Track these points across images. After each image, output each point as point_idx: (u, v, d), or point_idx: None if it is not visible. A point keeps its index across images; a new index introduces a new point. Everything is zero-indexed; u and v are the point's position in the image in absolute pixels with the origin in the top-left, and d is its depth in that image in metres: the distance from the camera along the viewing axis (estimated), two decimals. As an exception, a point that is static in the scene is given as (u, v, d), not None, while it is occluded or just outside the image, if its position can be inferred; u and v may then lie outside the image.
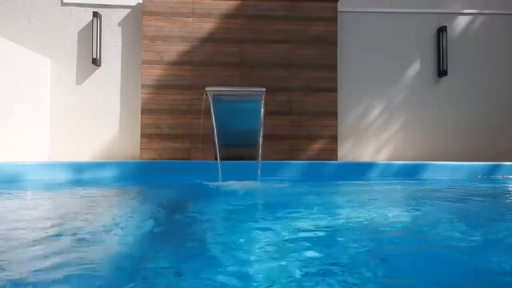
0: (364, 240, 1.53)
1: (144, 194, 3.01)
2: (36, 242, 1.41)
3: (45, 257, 1.22)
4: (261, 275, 1.07)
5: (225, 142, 3.67)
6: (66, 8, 4.91)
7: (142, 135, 4.73)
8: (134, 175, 3.94)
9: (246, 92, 3.91)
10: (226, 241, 1.50)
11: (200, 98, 4.60)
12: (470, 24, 5.35)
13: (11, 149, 4.01)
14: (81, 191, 2.98)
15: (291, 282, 1.01)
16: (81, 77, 4.93)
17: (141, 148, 4.71)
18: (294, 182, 3.72)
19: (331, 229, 1.71)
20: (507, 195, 3.05)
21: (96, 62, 4.81)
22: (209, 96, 3.56)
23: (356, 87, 5.19)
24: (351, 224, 1.81)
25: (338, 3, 5.03)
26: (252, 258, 1.25)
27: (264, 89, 3.63)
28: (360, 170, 4.17)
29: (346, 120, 5.16)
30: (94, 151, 4.90)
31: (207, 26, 4.83)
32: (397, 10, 5.25)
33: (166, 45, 4.78)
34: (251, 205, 2.54)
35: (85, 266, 1.14)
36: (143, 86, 4.75)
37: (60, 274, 1.06)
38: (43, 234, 1.54)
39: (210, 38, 4.84)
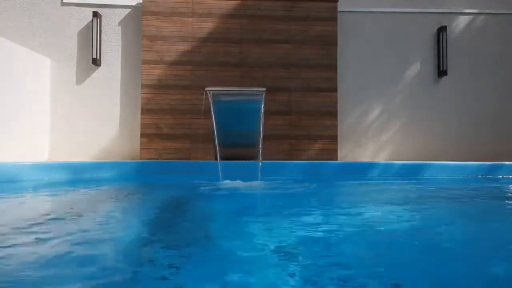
0: (366, 235, 1.53)
1: (144, 195, 3.01)
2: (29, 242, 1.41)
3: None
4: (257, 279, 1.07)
5: (225, 142, 3.66)
6: (66, 8, 4.91)
7: (142, 135, 4.72)
8: (134, 175, 3.94)
9: (246, 92, 3.91)
10: (225, 240, 1.50)
11: (200, 98, 4.59)
12: (470, 24, 5.35)
13: (11, 149, 4.01)
14: (80, 191, 2.98)
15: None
16: (81, 77, 4.92)
17: (141, 148, 4.71)
18: (295, 182, 3.72)
19: (331, 228, 1.71)
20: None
21: (96, 62, 4.81)
22: (209, 96, 3.56)
23: (356, 87, 5.19)
24: (353, 223, 1.80)
25: (338, 3, 5.02)
26: (250, 258, 1.25)
27: (264, 89, 3.63)
28: (361, 170, 4.17)
29: (346, 120, 5.16)
30: (94, 151, 4.89)
31: (207, 26, 4.83)
32: (397, 10, 5.24)
33: (166, 45, 4.78)
34: (251, 205, 2.54)
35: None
36: (143, 86, 4.74)
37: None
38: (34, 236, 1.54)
39: (210, 38, 4.83)
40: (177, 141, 4.74)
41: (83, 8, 4.92)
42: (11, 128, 4.07)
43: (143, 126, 4.72)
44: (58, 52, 4.89)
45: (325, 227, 1.71)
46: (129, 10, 4.98)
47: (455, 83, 5.28)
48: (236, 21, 4.86)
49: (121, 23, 4.98)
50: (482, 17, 5.35)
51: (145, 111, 4.73)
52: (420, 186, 3.52)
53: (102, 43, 4.91)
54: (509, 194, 3.11)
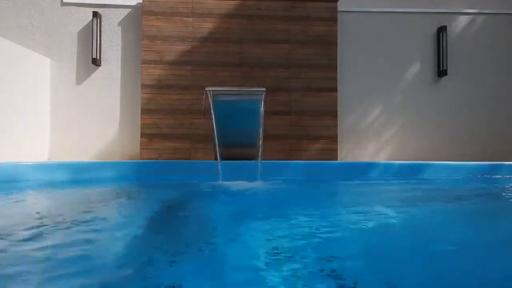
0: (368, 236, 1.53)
1: (143, 195, 3.01)
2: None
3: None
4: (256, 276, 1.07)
5: (225, 142, 3.66)
6: (66, 8, 4.91)
7: (142, 135, 4.72)
8: (134, 175, 3.93)
9: (246, 92, 3.91)
10: (224, 241, 1.50)
11: (200, 98, 4.59)
12: (470, 24, 5.35)
13: (11, 149, 4.01)
14: (80, 191, 2.98)
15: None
16: (81, 77, 4.92)
17: (141, 148, 4.71)
18: (294, 182, 3.72)
19: (329, 229, 1.71)
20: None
21: (96, 62, 4.81)
22: (209, 96, 3.56)
23: (356, 87, 5.18)
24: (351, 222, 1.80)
25: (338, 3, 5.02)
26: (249, 257, 1.25)
27: (264, 89, 3.63)
28: (361, 170, 4.16)
29: (346, 120, 5.16)
30: (94, 151, 4.89)
31: (207, 26, 4.83)
32: (397, 10, 5.24)
33: (166, 45, 4.78)
34: (250, 205, 2.54)
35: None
36: (143, 86, 4.74)
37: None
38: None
39: (210, 38, 4.83)
40: (177, 141, 4.73)
41: (83, 8, 4.92)
42: (11, 128, 4.07)
43: (143, 126, 4.72)
44: (58, 52, 4.89)
45: (325, 226, 1.71)
46: (129, 10, 4.98)
47: (455, 83, 5.28)
48: (236, 21, 4.86)
49: (121, 23, 4.98)
50: (482, 17, 5.35)
51: (145, 111, 4.73)
52: (425, 186, 3.52)
53: (102, 43, 4.91)
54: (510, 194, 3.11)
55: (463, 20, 5.34)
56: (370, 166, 4.23)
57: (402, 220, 1.94)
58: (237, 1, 4.86)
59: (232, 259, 1.23)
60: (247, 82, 4.82)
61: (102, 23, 4.93)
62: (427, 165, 4.18)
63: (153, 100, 4.73)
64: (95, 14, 4.79)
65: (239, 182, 3.38)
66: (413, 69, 5.26)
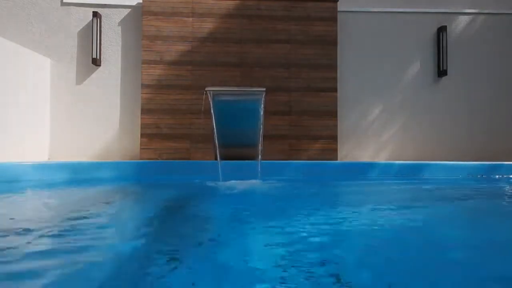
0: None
1: (144, 195, 3.01)
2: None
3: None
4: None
5: (225, 142, 3.66)
6: (66, 8, 4.91)
7: (142, 135, 4.72)
8: (134, 175, 3.94)
9: (246, 92, 3.91)
10: (224, 241, 1.50)
11: (200, 98, 4.59)
12: (470, 24, 5.35)
13: (11, 149, 4.01)
14: (79, 191, 2.98)
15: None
16: (81, 77, 4.92)
17: (141, 148, 4.71)
18: (294, 182, 3.72)
19: (326, 228, 1.71)
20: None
21: (96, 62, 4.81)
22: (209, 96, 3.57)
23: (356, 87, 5.18)
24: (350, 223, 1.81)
25: (338, 3, 5.02)
26: (248, 256, 1.25)
27: (264, 89, 3.63)
28: (360, 170, 4.17)
29: (346, 120, 5.16)
30: (94, 151, 4.89)
31: (207, 26, 4.83)
32: (397, 10, 5.24)
33: (166, 45, 4.78)
34: (250, 204, 2.54)
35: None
36: (143, 86, 4.74)
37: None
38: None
39: (210, 38, 4.83)
40: (177, 141, 4.74)
41: (83, 8, 4.92)
42: (11, 128, 4.07)
43: (143, 126, 4.72)
44: (58, 52, 4.89)
45: (321, 225, 1.72)
46: (129, 10, 4.98)
47: (455, 83, 5.28)
48: (236, 21, 4.86)
49: (121, 23, 4.98)
50: (482, 17, 5.35)
51: (145, 111, 4.73)
52: (425, 186, 3.52)
53: (102, 43, 4.91)
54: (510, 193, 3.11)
55: (463, 20, 5.34)
56: (370, 166, 4.23)
57: (403, 220, 1.94)
58: (237, 1, 4.86)
59: (232, 256, 1.23)
60: (247, 82, 4.82)
61: (102, 23, 4.93)
62: (427, 165, 4.18)
63: (153, 100, 4.74)
64: (95, 14, 4.79)
65: (239, 181, 3.39)
66: (413, 69, 5.27)
